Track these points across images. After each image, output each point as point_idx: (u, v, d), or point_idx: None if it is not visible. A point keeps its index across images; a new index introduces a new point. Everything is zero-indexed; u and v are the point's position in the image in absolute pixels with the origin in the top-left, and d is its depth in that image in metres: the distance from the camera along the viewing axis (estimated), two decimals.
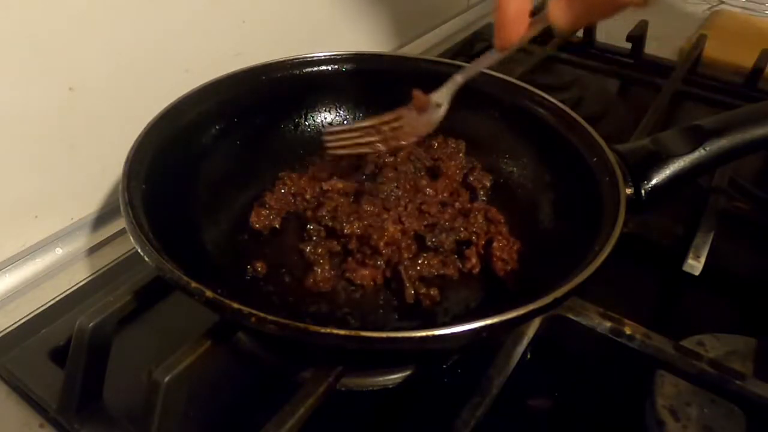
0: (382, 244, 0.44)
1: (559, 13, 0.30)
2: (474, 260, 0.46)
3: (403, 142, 0.44)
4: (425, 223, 0.48)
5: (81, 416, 0.37)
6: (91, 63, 0.48)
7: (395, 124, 0.44)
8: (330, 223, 0.47)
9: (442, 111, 0.43)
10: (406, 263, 0.44)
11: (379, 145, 0.44)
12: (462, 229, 0.47)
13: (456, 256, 0.46)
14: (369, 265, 0.45)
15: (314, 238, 0.47)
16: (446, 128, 0.55)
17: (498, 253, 0.45)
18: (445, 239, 0.46)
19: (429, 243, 0.46)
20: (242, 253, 0.46)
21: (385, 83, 0.55)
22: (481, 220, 0.48)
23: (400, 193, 0.49)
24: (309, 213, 0.49)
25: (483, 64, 0.39)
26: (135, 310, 0.38)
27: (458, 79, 0.43)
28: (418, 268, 0.44)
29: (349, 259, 0.45)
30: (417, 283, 0.43)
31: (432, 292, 0.43)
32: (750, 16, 1.05)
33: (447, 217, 0.48)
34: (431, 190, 0.51)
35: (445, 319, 0.43)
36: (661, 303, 0.52)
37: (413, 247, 0.46)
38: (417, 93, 0.44)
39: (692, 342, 0.42)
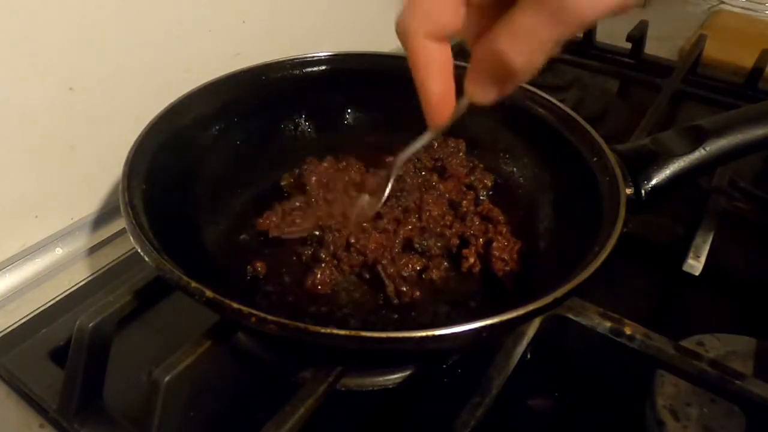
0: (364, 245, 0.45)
1: (476, 92, 0.31)
2: (473, 260, 0.46)
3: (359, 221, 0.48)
4: (421, 225, 0.48)
5: (81, 416, 0.37)
6: (91, 63, 0.48)
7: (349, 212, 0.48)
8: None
9: (387, 190, 0.47)
10: (384, 262, 0.44)
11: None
12: (453, 233, 0.47)
13: (444, 261, 0.46)
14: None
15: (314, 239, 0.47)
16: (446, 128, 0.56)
17: (497, 253, 0.45)
18: (432, 244, 0.46)
19: (416, 246, 0.46)
20: (242, 253, 0.46)
21: (384, 83, 0.55)
22: (477, 222, 0.48)
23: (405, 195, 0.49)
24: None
25: (420, 143, 0.41)
26: (135, 310, 0.38)
27: (398, 162, 0.45)
28: (399, 266, 0.44)
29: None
30: (398, 280, 0.43)
31: (416, 294, 0.43)
32: (750, 16, 1.05)
33: (448, 218, 0.48)
34: (441, 188, 0.51)
35: (445, 320, 0.43)
36: (661, 303, 0.52)
37: (397, 248, 0.46)
38: (370, 176, 0.51)
39: (692, 342, 0.42)
